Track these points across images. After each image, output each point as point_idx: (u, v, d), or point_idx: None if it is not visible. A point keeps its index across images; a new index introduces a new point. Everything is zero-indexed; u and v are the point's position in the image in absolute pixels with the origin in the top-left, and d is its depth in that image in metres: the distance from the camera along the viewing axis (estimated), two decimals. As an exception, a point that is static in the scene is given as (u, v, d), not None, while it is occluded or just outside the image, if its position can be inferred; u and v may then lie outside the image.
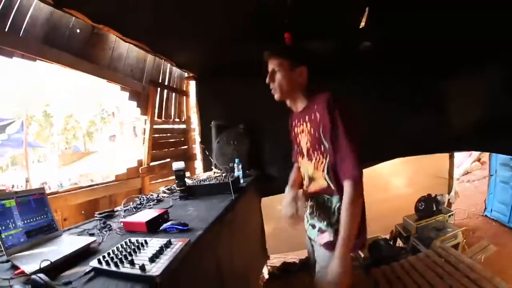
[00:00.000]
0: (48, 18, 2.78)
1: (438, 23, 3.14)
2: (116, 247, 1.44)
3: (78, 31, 3.08)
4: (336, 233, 1.94)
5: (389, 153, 4.18)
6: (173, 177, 2.82)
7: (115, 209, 2.51)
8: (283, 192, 4.36)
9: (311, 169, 2.13)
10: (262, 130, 4.44)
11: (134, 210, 2.41)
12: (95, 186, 3.40)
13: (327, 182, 2.00)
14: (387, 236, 5.09)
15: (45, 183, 15.71)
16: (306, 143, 2.11)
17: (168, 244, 1.46)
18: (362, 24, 3.17)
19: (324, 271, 2.01)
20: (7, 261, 1.42)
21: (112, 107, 37.68)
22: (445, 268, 3.48)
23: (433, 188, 5.14)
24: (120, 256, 1.33)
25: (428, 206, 4.89)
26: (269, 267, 4.75)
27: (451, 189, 5.52)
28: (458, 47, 3.36)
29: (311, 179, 2.16)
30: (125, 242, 1.50)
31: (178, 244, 1.48)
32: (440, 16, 3.03)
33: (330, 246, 1.98)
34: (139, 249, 1.43)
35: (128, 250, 1.40)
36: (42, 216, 1.70)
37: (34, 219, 1.65)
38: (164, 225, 1.84)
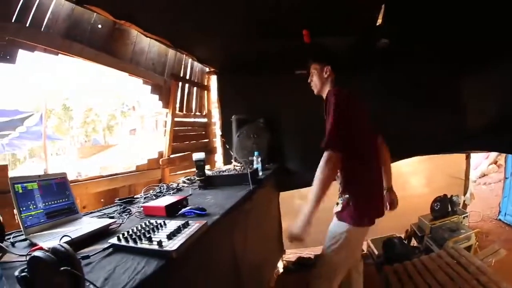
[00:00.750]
0: (70, 14, 2.78)
1: (454, 21, 3.08)
2: (136, 227, 1.45)
3: (100, 26, 3.08)
4: (343, 204, 2.38)
5: (404, 152, 4.10)
6: (193, 169, 2.85)
7: (135, 196, 2.53)
8: (302, 187, 4.35)
9: None
10: (282, 125, 4.42)
11: (154, 197, 2.42)
12: (115, 176, 3.40)
13: None
14: (403, 235, 5.02)
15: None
16: None
17: (185, 225, 1.48)
18: (379, 21, 3.13)
19: (327, 240, 2.48)
20: (25, 239, 1.44)
21: (132, 101, 37.69)
22: (456, 269, 3.41)
23: (449, 189, 5.01)
24: (138, 234, 1.34)
25: (444, 206, 4.78)
26: (284, 261, 4.69)
27: (466, 190, 5.41)
28: (474, 45, 3.28)
29: None
30: (144, 223, 1.50)
31: (195, 225, 1.49)
32: (456, 14, 2.97)
33: (337, 215, 2.42)
34: (157, 229, 1.44)
35: (147, 229, 1.41)
36: (63, 199, 1.72)
37: (55, 202, 1.67)
38: (183, 210, 1.85)
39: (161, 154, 3.98)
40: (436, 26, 3.21)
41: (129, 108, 39.25)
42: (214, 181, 2.86)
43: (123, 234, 1.33)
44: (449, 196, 4.84)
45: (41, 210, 1.57)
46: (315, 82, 2.63)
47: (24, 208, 1.49)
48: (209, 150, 5.08)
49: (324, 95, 2.52)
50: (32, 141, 10.70)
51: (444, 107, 3.75)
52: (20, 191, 1.51)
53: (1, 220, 1.36)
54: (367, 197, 2.38)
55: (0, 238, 1.33)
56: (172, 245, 1.22)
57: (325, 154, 2.10)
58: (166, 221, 1.54)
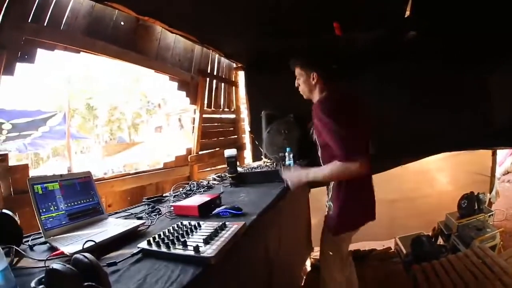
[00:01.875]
0: (90, 11, 2.64)
1: (478, 14, 2.92)
2: (167, 229, 1.31)
3: (122, 23, 2.94)
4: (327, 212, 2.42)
5: (429, 149, 3.97)
6: (222, 166, 2.73)
7: (164, 194, 2.39)
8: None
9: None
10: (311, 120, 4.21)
11: (184, 196, 2.29)
12: (142, 173, 3.26)
13: None
14: (430, 233, 4.80)
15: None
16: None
17: (223, 227, 1.32)
18: (407, 13, 2.96)
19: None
20: (45, 242, 1.31)
21: (158, 99, 37.59)
22: (481, 269, 3.23)
23: (475, 186, 4.79)
24: (171, 238, 1.19)
25: (471, 204, 4.54)
26: (312, 259, 4.49)
27: (492, 188, 5.15)
28: (500, 39, 3.11)
29: None
30: (177, 225, 1.37)
31: (233, 227, 1.33)
32: (478, 6, 2.80)
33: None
34: (192, 231, 1.29)
35: (181, 232, 1.26)
36: (88, 200, 1.61)
37: (79, 202, 1.55)
38: (217, 209, 1.69)
39: (189, 151, 3.81)
40: (462, 19, 3.05)
41: (154, 106, 39.18)
42: (246, 178, 2.71)
43: (154, 238, 1.19)
44: (475, 194, 4.59)
45: (63, 212, 1.46)
46: (302, 87, 2.44)
47: (44, 210, 1.38)
48: (238, 147, 4.89)
49: (315, 100, 2.33)
50: (56, 140, 10.75)
51: (467, 103, 3.56)
52: (40, 192, 1.40)
53: (18, 222, 1.23)
54: (353, 205, 2.27)
55: (16, 242, 1.18)
56: (210, 251, 1.08)
57: (339, 163, 1.98)
58: (201, 223, 1.38)
